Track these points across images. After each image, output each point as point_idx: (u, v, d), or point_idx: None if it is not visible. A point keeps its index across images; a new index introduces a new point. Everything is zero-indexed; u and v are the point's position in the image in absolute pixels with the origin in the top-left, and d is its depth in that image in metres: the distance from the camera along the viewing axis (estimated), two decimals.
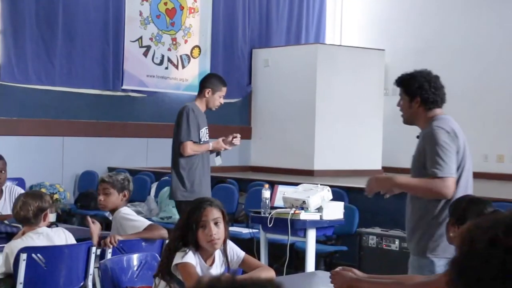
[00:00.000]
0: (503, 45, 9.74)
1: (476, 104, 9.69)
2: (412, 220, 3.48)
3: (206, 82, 5.31)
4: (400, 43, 10.70)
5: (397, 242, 5.66)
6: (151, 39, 9.55)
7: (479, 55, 9.95)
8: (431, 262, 3.35)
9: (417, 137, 3.53)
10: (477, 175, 8.79)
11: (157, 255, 3.58)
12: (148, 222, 4.19)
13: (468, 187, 3.44)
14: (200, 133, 5.23)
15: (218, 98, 5.27)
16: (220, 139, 5.32)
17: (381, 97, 10.12)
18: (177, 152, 5.29)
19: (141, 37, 9.46)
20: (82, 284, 3.95)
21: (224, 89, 5.30)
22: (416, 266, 3.42)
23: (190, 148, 5.20)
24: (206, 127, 5.31)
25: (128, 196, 4.35)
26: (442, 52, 10.19)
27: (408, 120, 3.56)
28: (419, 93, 3.44)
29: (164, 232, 4.09)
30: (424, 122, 3.48)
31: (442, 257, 3.32)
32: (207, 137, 5.32)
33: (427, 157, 3.36)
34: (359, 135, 9.84)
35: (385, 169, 10.06)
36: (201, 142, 5.24)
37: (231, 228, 4.60)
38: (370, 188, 3.51)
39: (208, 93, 5.23)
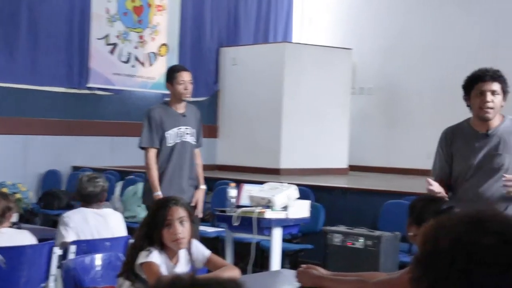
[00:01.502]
0: (467, 46, 9.86)
1: (440, 103, 9.80)
2: None
3: (166, 79, 5.09)
4: (367, 43, 10.77)
5: (361, 240, 5.70)
6: (117, 36, 9.47)
7: (444, 55, 10.05)
8: None
9: (486, 135, 3.55)
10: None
11: (121, 254, 3.55)
12: None
13: None
14: (167, 135, 4.93)
15: (178, 85, 4.93)
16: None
17: (348, 96, 10.17)
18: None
19: (107, 35, 9.37)
20: (43, 285, 3.90)
21: (178, 74, 4.94)
22: None
23: (145, 157, 4.97)
24: (180, 127, 4.98)
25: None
26: (408, 51, 10.29)
27: (493, 118, 3.55)
28: (507, 91, 3.51)
29: None
30: (496, 121, 3.53)
31: None
32: (181, 139, 4.96)
33: None
34: (326, 134, 9.88)
35: (352, 167, 10.14)
36: (169, 145, 4.93)
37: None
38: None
39: (169, 87, 5.02)
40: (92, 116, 9.30)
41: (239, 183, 5.82)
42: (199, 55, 10.31)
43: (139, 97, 9.83)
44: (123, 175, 8.42)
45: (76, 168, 8.95)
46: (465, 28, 9.92)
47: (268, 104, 9.77)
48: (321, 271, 2.94)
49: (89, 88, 9.25)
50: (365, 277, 2.90)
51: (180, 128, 4.99)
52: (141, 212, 6.72)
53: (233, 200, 5.23)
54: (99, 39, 9.28)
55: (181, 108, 5.02)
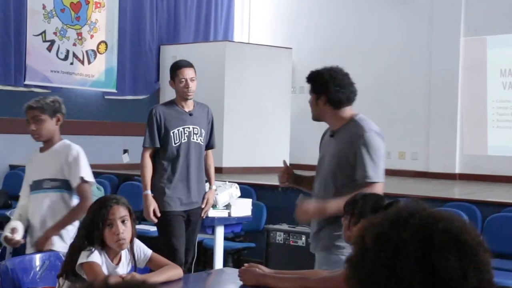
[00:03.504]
0: (404, 45, 10.07)
1: (378, 102, 9.98)
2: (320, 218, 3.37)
3: (170, 77, 4.75)
4: (306, 42, 10.88)
5: (303, 238, 5.75)
6: (55, 33, 9.29)
7: (381, 55, 10.24)
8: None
9: (331, 135, 3.41)
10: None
11: (61, 254, 3.48)
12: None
13: None
14: (172, 134, 4.63)
15: (179, 83, 4.60)
16: (152, 212, 4.64)
17: (288, 95, 10.25)
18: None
19: (44, 31, 9.18)
20: None
21: (179, 72, 4.62)
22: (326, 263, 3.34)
23: (141, 156, 4.70)
24: (186, 127, 4.67)
25: (62, 120, 4.00)
26: (346, 51, 10.43)
27: (316, 117, 3.44)
28: (323, 91, 3.32)
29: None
30: (336, 121, 3.36)
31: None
32: (187, 138, 4.67)
33: (359, 160, 3.22)
34: (267, 132, 9.93)
35: (293, 166, 10.21)
36: (174, 145, 4.64)
37: (138, 226, 4.53)
38: (303, 218, 3.37)
39: (171, 85, 4.70)
40: None
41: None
42: (139, 53, 10.21)
43: (78, 95, 9.68)
44: None
45: (13, 167, 8.74)
46: (400, 25, 10.12)
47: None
48: (264, 269, 2.97)
49: (26, 86, 9.04)
50: (307, 275, 2.94)
51: (185, 128, 4.67)
52: None
53: None
54: (35, 35, 9.08)
55: (188, 106, 4.70)
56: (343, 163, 3.27)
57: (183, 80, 4.60)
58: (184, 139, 4.65)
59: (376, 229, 1.10)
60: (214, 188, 4.92)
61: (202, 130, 4.75)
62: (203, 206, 4.75)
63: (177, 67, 4.67)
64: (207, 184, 4.90)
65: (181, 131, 4.65)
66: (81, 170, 3.78)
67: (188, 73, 4.62)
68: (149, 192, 4.64)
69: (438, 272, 1.04)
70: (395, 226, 1.08)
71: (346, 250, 3.20)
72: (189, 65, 4.70)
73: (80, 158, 3.83)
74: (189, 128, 4.67)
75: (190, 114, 4.69)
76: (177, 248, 4.56)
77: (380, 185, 3.28)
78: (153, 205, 4.63)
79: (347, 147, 3.28)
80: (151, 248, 3.13)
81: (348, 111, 3.38)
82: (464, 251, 1.06)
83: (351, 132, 3.31)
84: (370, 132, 3.27)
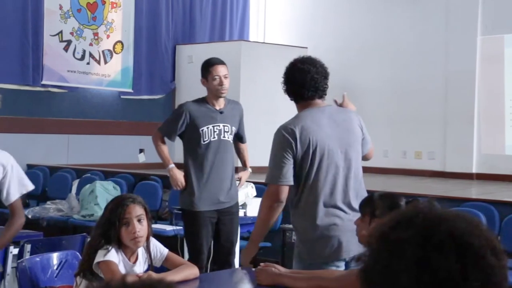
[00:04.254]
0: (420, 44, 10.02)
1: (394, 101, 9.94)
2: None
3: (201, 75, 4.65)
4: (322, 42, 10.85)
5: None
6: (71, 33, 9.35)
7: (395, 56, 10.20)
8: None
9: None
10: (396, 171, 9.07)
11: (78, 253, 3.50)
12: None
13: (336, 187, 3.23)
14: (201, 132, 4.53)
15: (212, 81, 4.51)
16: (181, 177, 4.55)
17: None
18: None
19: (61, 31, 9.24)
20: None
21: (212, 69, 4.53)
22: None
23: (154, 135, 4.64)
24: (216, 125, 4.58)
25: None
26: (362, 50, 10.40)
27: None
28: (284, 87, 3.42)
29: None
30: None
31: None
32: (217, 136, 4.58)
33: None
34: None
35: None
36: (203, 143, 4.54)
37: (154, 226, 4.53)
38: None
39: (204, 83, 4.59)
40: (47, 114, 9.16)
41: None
42: (155, 53, 10.24)
43: (94, 94, 9.73)
44: (80, 173, 8.32)
45: (31, 166, 8.80)
46: (416, 24, 10.08)
47: None
48: (280, 269, 2.96)
49: (43, 85, 9.10)
50: (324, 274, 2.93)
51: (216, 126, 4.57)
52: (99, 211, 6.64)
53: None
54: (52, 35, 9.14)
55: (219, 104, 4.60)
56: None
57: (216, 77, 4.52)
58: (214, 137, 4.56)
59: (380, 229, 1.11)
60: (250, 170, 4.92)
61: (233, 128, 4.69)
62: (239, 186, 4.76)
63: (209, 64, 4.58)
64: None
65: (210, 129, 4.56)
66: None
67: (221, 70, 4.55)
68: (172, 165, 4.57)
69: (435, 273, 1.04)
70: (397, 226, 1.09)
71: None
72: (222, 62, 4.62)
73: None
74: (219, 126, 4.58)
75: (221, 112, 4.60)
76: (200, 250, 4.49)
77: (272, 187, 3.29)
78: (180, 175, 4.55)
79: None
80: (167, 247, 3.14)
81: (305, 105, 3.45)
82: (466, 253, 1.05)
83: None
84: (277, 131, 3.36)
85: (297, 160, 3.21)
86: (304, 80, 3.30)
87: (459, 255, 1.05)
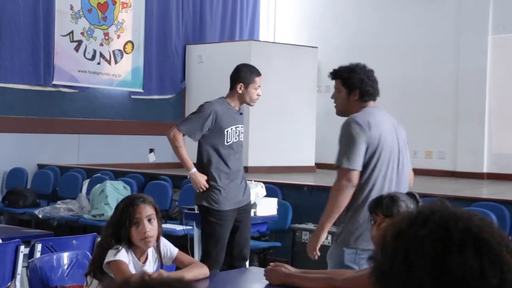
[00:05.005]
0: (431, 43, 9.99)
1: (404, 100, 9.92)
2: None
3: (236, 77, 4.68)
4: (332, 41, 10.84)
5: (329, 237, 5.72)
6: (82, 33, 9.37)
7: (406, 55, 10.17)
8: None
9: None
10: None
11: (88, 253, 3.51)
12: None
13: (386, 180, 3.41)
14: (226, 133, 4.59)
15: (254, 91, 4.61)
16: (203, 180, 4.53)
17: (314, 94, 10.22)
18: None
19: (72, 32, 9.26)
20: (9, 284, 3.84)
21: (258, 80, 4.64)
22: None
23: (174, 134, 4.57)
24: (237, 126, 4.66)
25: None
26: (372, 49, 10.37)
27: (343, 112, 3.54)
28: (359, 86, 3.46)
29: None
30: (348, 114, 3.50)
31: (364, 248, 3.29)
32: (238, 137, 4.65)
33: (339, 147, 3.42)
34: (293, 132, 9.91)
35: (318, 165, 10.18)
36: (227, 143, 4.59)
37: (164, 225, 4.52)
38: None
39: (240, 88, 4.61)
40: (58, 114, 9.19)
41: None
42: (165, 53, 10.25)
43: (104, 94, 9.75)
44: (90, 173, 8.34)
45: (41, 166, 8.83)
46: (427, 23, 10.04)
47: None
48: (290, 268, 2.95)
49: (54, 85, 9.13)
50: (334, 274, 2.92)
51: (237, 127, 4.66)
52: (109, 210, 6.66)
53: None
54: (63, 36, 9.17)
55: (238, 106, 4.70)
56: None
57: (257, 87, 4.64)
58: (236, 138, 4.63)
59: (396, 227, 1.11)
60: None
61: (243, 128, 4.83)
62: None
63: (256, 73, 4.69)
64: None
65: (233, 130, 4.62)
66: None
67: (261, 81, 4.71)
68: (195, 169, 4.55)
69: (453, 270, 1.04)
70: (414, 224, 1.10)
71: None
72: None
73: None
74: (238, 127, 4.67)
75: (241, 113, 4.71)
76: (223, 247, 4.55)
77: (351, 172, 3.38)
78: (202, 178, 4.53)
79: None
80: (177, 247, 3.14)
81: (370, 104, 3.53)
82: (484, 251, 1.06)
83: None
84: (349, 121, 3.41)
85: (366, 151, 3.39)
86: (375, 81, 3.54)
87: (477, 252, 1.05)
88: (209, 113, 4.54)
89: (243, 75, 4.66)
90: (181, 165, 4.71)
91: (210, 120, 4.53)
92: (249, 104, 4.71)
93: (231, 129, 4.60)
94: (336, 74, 3.54)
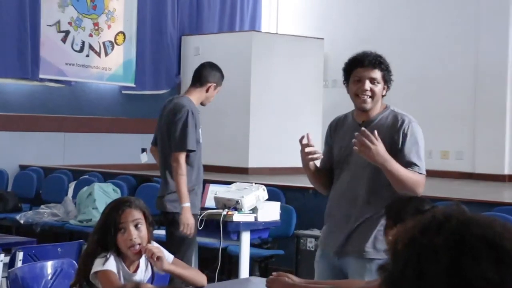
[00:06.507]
0: (448, 36, 9.97)
1: (419, 97, 9.90)
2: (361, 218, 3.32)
3: (210, 76, 4.81)
4: (340, 32, 10.81)
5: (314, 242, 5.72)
6: (70, 23, 9.36)
7: (421, 49, 10.16)
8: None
9: (361, 125, 3.36)
10: None
11: (74, 262, 3.50)
12: None
13: None
14: (200, 134, 4.79)
15: (215, 95, 4.88)
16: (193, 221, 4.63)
17: (320, 89, 10.20)
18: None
19: (59, 21, 9.24)
20: None
21: (223, 82, 4.93)
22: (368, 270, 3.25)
23: (182, 162, 4.63)
24: (201, 128, 4.84)
25: None
26: (384, 41, 10.33)
27: (371, 108, 3.41)
28: (390, 80, 3.41)
29: None
30: (376, 110, 3.40)
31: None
32: (201, 139, 4.82)
33: (407, 149, 3.27)
34: (297, 130, 9.82)
35: None
36: (200, 144, 4.76)
37: (158, 231, 4.50)
38: (363, 147, 3.16)
39: (211, 88, 4.80)
40: (42, 110, 9.17)
41: (203, 183, 5.78)
42: (159, 45, 10.24)
43: (93, 89, 9.74)
44: (77, 174, 8.34)
45: (23, 167, 8.82)
46: (444, 15, 10.02)
47: (234, 97, 9.75)
48: (294, 279, 2.94)
49: (40, 80, 9.11)
50: (341, 285, 2.91)
51: (201, 128, 4.83)
52: (97, 215, 6.64)
53: None
54: (49, 25, 9.14)
55: (197, 104, 4.89)
56: (392, 151, 3.25)
57: (218, 89, 4.90)
58: (201, 141, 4.80)
59: (409, 233, 1.12)
60: None
61: None
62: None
63: (223, 79, 4.94)
64: None
65: (200, 133, 4.79)
66: None
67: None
68: (189, 204, 4.61)
69: (470, 278, 1.04)
70: (428, 230, 1.10)
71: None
72: None
73: None
74: (201, 129, 4.81)
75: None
76: (189, 250, 4.69)
77: (424, 178, 3.32)
78: (193, 218, 4.64)
79: (394, 135, 3.31)
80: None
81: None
82: (505, 261, 1.05)
83: (394, 119, 3.36)
84: (415, 123, 3.35)
85: None
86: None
87: (497, 262, 1.05)
88: (195, 116, 4.70)
89: (219, 76, 4.83)
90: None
91: (196, 122, 4.71)
92: (202, 105, 4.89)
93: (201, 129, 4.78)
94: (380, 62, 3.41)
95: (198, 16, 10.73)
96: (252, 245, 5.50)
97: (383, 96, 3.40)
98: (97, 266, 2.84)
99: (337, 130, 3.57)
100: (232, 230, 5.08)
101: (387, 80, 3.39)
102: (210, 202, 5.31)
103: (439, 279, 1.05)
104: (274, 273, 3.03)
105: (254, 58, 9.70)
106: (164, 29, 10.27)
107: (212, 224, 4.99)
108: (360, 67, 3.39)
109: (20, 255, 3.89)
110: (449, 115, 9.85)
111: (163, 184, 4.83)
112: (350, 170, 3.39)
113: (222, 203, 5.08)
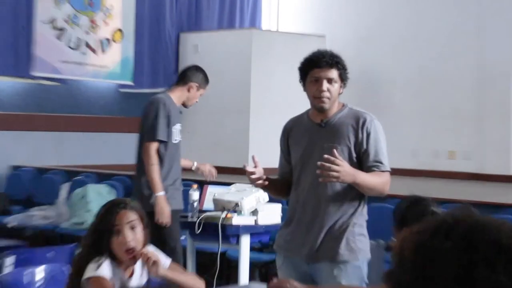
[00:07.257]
0: (451, 33, 9.95)
1: (422, 96, 9.89)
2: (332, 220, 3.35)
3: (193, 76, 5.00)
4: (341, 29, 10.80)
5: None
6: (66, 20, 9.32)
7: (424, 47, 10.16)
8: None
9: (321, 125, 3.44)
10: (427, 173, 8.99)
11: (66, 267, 3.44)
12: None
13: None
14: (174, 130, 4.91)
15: (198, 96, 5.05)
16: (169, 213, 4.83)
17: None
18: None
19: (54, 18, 9.22)
20: None
21: (206, 89, 5.09)
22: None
23: (153, 151, 4.86)
24: (180, 124, 4.99)
25: None
26: (386, 39, 10.35)
27: (330, 106, 3.46)
28: (346, 78, 3.46)
29: None
30: (333, 109, 3.46)
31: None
32: (180, 136, 4.99)
33: (371, 147, 3.34)
34: None
35: None
36: (174, 141, 4.92)
37: None
38: (330, 175, 3.19)
39: (191, 88, 4.97)
40: (36, 109, 9.15)
41: (202, 184, 5.73)
42: (158, 42, 10.25)
43: (90, 88, 9.74)
44: (70, 175, 8.32)
45: (15, 168, 8.78)
46: (447, 11, 10.01)
47: (234, 96, 9.74)
48: (296, 284, 2.87)
49: (34, 77, 9.08)
50: None
51: (180, 125, 5.00)
52: (90, 218, 6.58)
53: (196, 204, 5.15)
54: (44, 23, 9.11)
55: (179, 104, 5.03)
56: (352, 151, 3.35)
57: (201, 95, 5.08)
58: (180, 138, 4.96)
59: (417, 238, 1.12)
60: None
61: None
62: None
63: (208, 82, 5.08)
64: None
65: (178, 129, 4.93)
66: None
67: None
68: (163, 193, 4.80)
69: (480, 284, 1.04)
70: (437, 235, 1.10)
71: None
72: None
73: None
74: (181, 126, 4.98)
75: (180, 112, 5.04)
76: (178, 245, 4.85)
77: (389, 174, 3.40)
78: (168, 207, 4.82)
79: (357, 133, 3.38)
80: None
81: None
82: None
83: (355, 118, 3.42)
84: (376, 120, 3.42)
85: None
86: None
87: (508, 267, 1.05)
88: (165, 107, 4.82)
89: (202, 78, 5.00)
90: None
91: (168, 114, 4.84)
92: (185, 107, 5.04)
93: (178, 126, 4.92)
94: (336, 62, 3.45)
95: (197, 13, 10.74)
96: (252, 249, 5.46)
97: (339, 94, 3.45)
98: (90, 271, 2.79)
99: (293, 133, 3.61)
100: (231, 233, 5.03)
101: (343, 79, 3.45)
102: (208, 204, 5.27)
103: (448, 284, 1.05)
104: (275, 279, 2.97)
105: (254, 56, 9.70)
106: (162, 26, 10.27)
107: (211, 227, 4.94)
108: (316, 68, 3.45)
109: (9, 260, 3.87)
110: (455, 113, 9.82)
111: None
112: (310, 172, 3.37)
113: (221, 205, 5.03)
